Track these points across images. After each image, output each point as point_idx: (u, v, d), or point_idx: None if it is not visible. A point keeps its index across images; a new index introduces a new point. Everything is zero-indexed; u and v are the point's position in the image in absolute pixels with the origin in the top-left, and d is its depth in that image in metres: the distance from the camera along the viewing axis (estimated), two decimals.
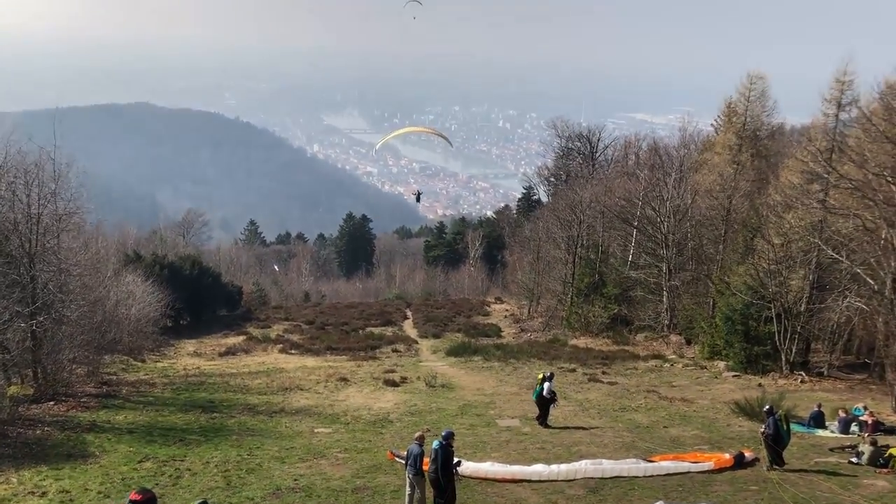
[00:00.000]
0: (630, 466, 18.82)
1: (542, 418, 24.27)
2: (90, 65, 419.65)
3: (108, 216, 78.26)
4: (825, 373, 33.82)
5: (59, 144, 27.77)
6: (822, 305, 33.39)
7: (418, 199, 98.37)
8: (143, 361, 37.45)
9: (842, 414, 24.53)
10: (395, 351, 42.45)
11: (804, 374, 33.23)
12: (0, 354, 24.89)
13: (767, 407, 19.60)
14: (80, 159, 34.93)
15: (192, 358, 39.99)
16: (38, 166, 26.55)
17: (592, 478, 18.15)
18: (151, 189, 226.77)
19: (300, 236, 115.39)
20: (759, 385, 31.82)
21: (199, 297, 52.80)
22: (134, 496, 11.01)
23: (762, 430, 18.98)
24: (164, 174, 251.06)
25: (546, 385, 24.03)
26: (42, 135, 28.16)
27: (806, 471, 18.84)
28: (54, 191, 27.25)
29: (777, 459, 18.79)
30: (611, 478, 18.15)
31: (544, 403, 24.22)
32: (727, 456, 19.46)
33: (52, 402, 25.64)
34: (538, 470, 18.66)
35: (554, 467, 18.77)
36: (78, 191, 28.95)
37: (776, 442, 18.72)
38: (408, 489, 16.08)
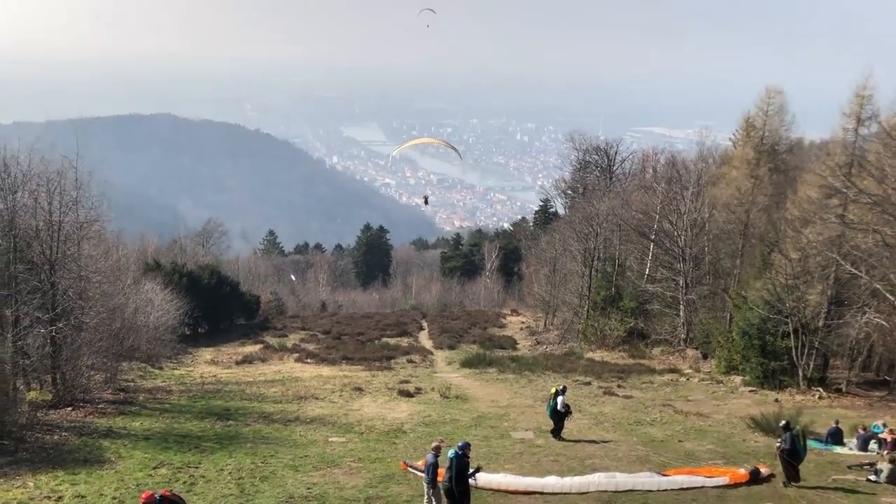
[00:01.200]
0: (644, 480, 18.74)
1: (557, 431, 24.21)
2: (114, 77, 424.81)
3: (129, 225, 79.15)
4: (843, 389, 33.46)
5: (82, 154, 28.22)
6: (841, 321, 33.05)
7: (426, 202, 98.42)
8: (161, 369, 37.78)
9: (860, 431, 24.27)
10: (410, 362, 42.50)
11: (822, 390, 32.90)
12: (20, 359, 25.21)
13: (784, 422, 19.45)
14: (102, 169, 35.51)
15: (209, 366, 40.27)
16: (61, 175, 26.98)
17: (605, 491, 18.09)
18: (172, 199, 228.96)
19: (318, 246, 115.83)
20: (776, 400, 31.54)
21: (218, 306, 53.18)
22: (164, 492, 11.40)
23: (778, 444, 18.85)
24: (184, 184, 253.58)
25: (560, 399, 23.98)
26: (65, 144, 28.65)
27: (823, 488, 18.67)
28: (76, 199, 27.68)
29: (793, 475, 18.64)
30: (624, 491, 18.08)
31: (559, 417, 24.16)
32: (742, 471, 19.33)
33: (69, 408, 25.93)
34: (551, 482, 18.63)
35: (567, 480, 18.74)
36: (99, 199, 29.42)
37: (792, 457, 18.58)
38: (425, 498, 16.15)
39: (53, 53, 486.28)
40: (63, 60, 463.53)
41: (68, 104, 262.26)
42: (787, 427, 18.90)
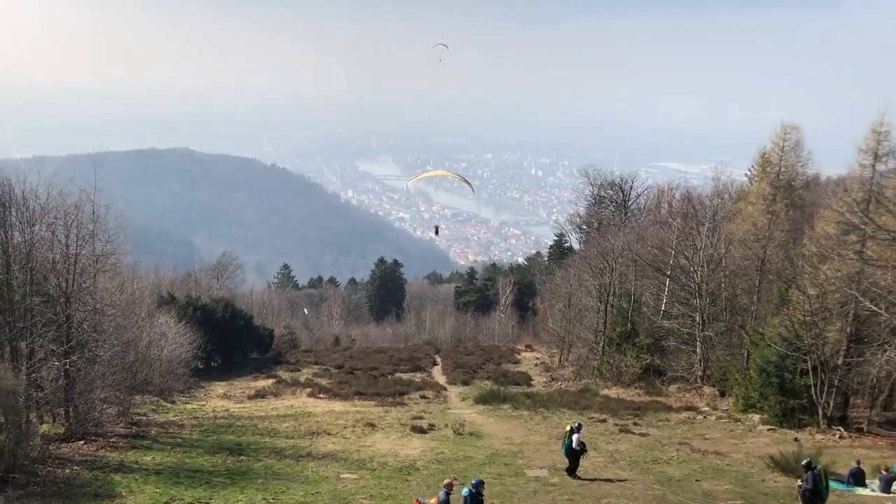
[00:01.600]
0: None
1: (572, 469, 23.84)
2: (132, 112, 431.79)
3: (145, 258, 79.56)
4: (865, 428, 32.82)
5: (100, 187, 28.46)
6: (861, 359, 32.54)
7: (437, 233, 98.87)
8: (173, 402, 37.67)
9: (883, 472, 23.75)
10: (423, 397, 42.16)
11: (843, 430, 32.27)
12: (34, 392, 25.20)
13: (806, 461, 19.07)
14: (119, 202, 35.80)
15: (221, 400, 40.13)
16: (78, 208, 27.20)
17: None
18: (188, 232, 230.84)
19: (332, 280, 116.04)
20: (796, 439, 30.97)
21: (231, 340, 53.17)
22: None
23: (800, 484, 18.47)
24: (200, 218, 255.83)
25: (575, 437, 23.65)
26: (83, 178, 28.93)
27: None
28: (92, 232, 27.85)
29: None
30: None
31: (574, 455, 23.81)
32: None
33: (82, 442, 25.83)
34: None
35: None
36: (115, 232, 29.61)
37: (815, 497, 18.19)
38: None
39: (74, 89, 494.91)
40: (83, 96, 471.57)
41: (88, 139, 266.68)
42: (808, 466, 18.53)
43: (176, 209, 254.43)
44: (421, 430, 31.27)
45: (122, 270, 35.17)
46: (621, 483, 23.18)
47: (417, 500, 19.65)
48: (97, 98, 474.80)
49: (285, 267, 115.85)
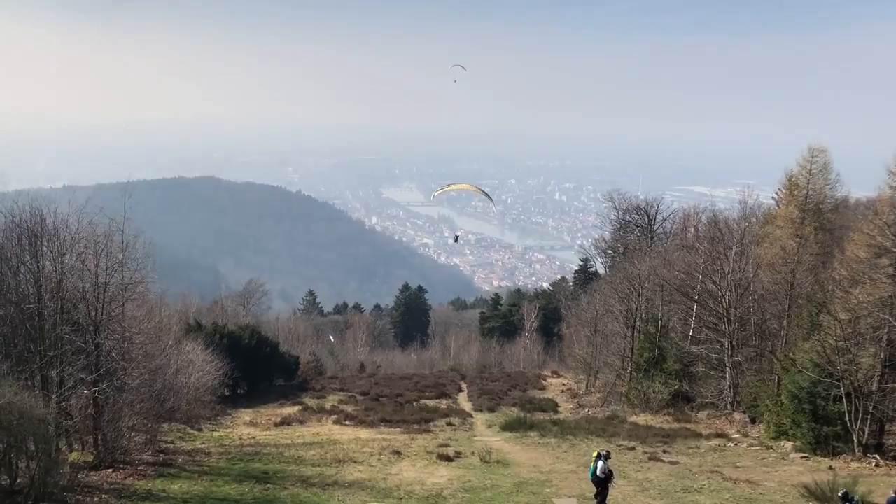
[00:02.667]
0: None
1: (601, 497, 23.46)
2: (161, 142, 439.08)
3: (172, 286, 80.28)
4: None
5: (128, 216, 28.85)
6: None
7: (456, 240, 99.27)
8: (200, 430, 37.75)
9: None
10: (449, 424, 41.90)
11: (879, 458, 31.53)
12: (63, 420, 25.41)
13: (843, 492, 18.66)
14: (148, 230, 36.21)
15: (247, 427, 40.16)
16: (107, 237, 27.56)
17: None
18: (215, 260, 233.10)
19: (357, 307, 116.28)
20: (830, 468, 30.28)
21: (257, 367, 53.30)
22: None
23: None
24: (227, 245, 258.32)
25: (599, 464, 23.17)
26: (112, 207, 29.33)
27: None
28: (121, 260, 28.18)
29: None
30: None
31: (600, 482, 23.43)
32: None
33: (110, 470, 25.94)
34: None
35: None
36: (144, 261, 29.94)
37: None
38: None
39: (104, 120, 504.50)
40: (113, 127, 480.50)
41: (117, 169, 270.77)
42: (846, 497, 18.12)
43: (203, 237, 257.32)
44: (447, 458, 31.05)
45: (150, 298, 35.48)
46: None
47: None
48: (126, 128, 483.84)
49: (310, 293, 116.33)
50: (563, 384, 62.05)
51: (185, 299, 71.32)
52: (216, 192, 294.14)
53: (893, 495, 23.50)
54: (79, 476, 24.10)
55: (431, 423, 41.59)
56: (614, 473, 23.89)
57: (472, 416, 45.64)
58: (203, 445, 33.38)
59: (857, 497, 18.51)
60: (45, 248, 26.30)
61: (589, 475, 23.98)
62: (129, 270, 28.86)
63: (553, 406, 50.90)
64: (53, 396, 24.69)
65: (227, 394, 46.82)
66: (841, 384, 32.27)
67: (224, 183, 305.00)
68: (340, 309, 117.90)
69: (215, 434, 37.25)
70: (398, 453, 31.92)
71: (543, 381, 63.65)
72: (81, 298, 27.30)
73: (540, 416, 45.58)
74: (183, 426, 37.14)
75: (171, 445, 32.43)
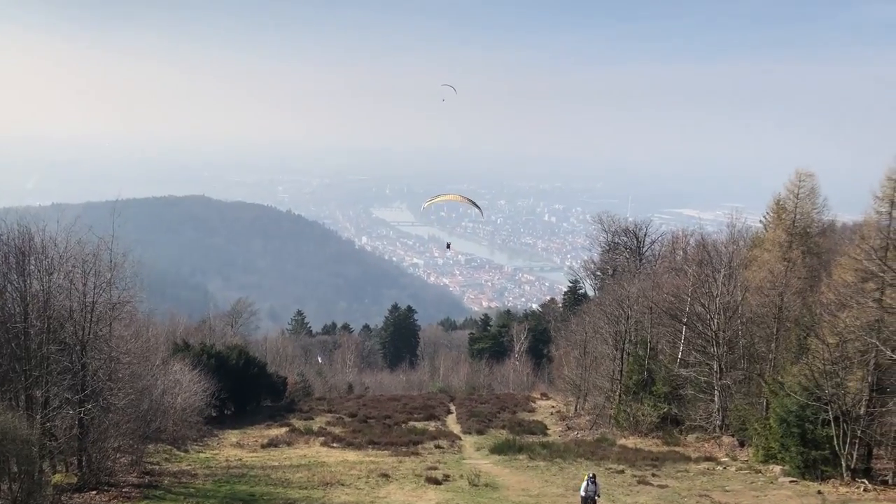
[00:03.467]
0: None
1: None
2: (150, 161, 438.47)
3: (160, 305, 79.89)
4: (890, 481, 32.04)
5: (117, 235, 28.77)
6: (884, 409, 31.96)
7: (448, 248, 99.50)
8: (186, 451, 37.41)
9: None
10: (437, 447, 41.68)
11: (867, 482, 31.53)
12: (47, 441, 25.12)
13: None
14: (136, 249, 36.06)
15: (234, 449, 39.84)
16: (96, 256, 27.45)
17: None
18: (203, 278, 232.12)
19: (346, 327, 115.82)
20: (819, 492, 30.28)
21: (245, 387, 52.95)
22: None
23: None
24: (215, 264, 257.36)
25: (583, 483, 24.30)
26: (101, 225, 29.22)
27: None
28: (110, 280, 28.06)
29: None
30: None
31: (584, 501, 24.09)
32: None
33: (94, 492, 25.66)
34: None
35: None
36: (132, 280, 29.84)
37: None
38: None
39: (93, 139, 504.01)
40: (102, 146, 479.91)
41: (106, 187, 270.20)
42: None
43: (192, 255, 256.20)
44: (436, 481, 30.87)
45: (137, 318, 35.31)
46: None
47: None
48: (117, 147, 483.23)
49: (299, 313, 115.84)
50: (553, 406, 61.88)
51: (172, 318, 70.87)
52: (206, 210, 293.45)
53: None
54: (62, 498, 23.84)
55: (420, 446, 41.38)
56: (596, 490, 24.29)
57: (460, 439, 45.43)
58: (189, 467, 33.06)
59: None
60: (32, 267, 26.14)
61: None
62: (116, 290, 28.75)
63: (542, 428, 50.73)
64: (38, 417, 24.42)
65: (213, 414, 46.45)
66: (829, 408, 32.34)
67: (214, 202, 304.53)
68: (329, 329, 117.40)
69: (202, 455, 36.91)
70: (386, 476, 31.71)
71: (533, 403, 63.46)
72: (68, 318, 27.13)
73: (529, 438, 45.43)
74: (169, 447, 36.80)
75: (157, 467, 32.10)
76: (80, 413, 25.99)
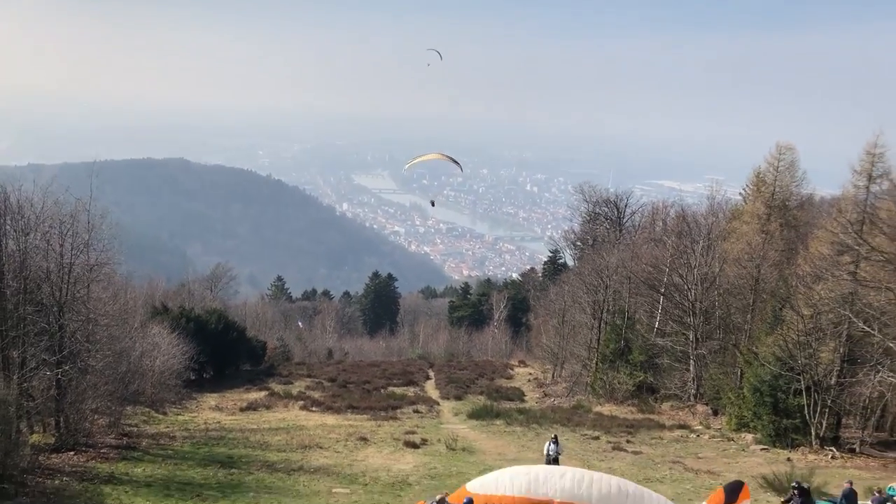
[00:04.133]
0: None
1: None
2: (129, 123, 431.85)
3: (139, 268, 79.36)
4: (857, 449, 32.85)
5: (95, 197, 28.45)
6: (854, 379, 32.61)
7: (433, 205, 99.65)
8: (165, 414, 37.45)
9: (875, 493, 23.65)
10: (416, 412, 42.03)
11: (835, 450, 32.30)
12: (24, 402, 25.05)
13: (805, 486, 19.10)
14: (114, 212, 35.78)
15: (213, 412, 39.93)
16: (73, 217, 27.16)
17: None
18: (182, 243, 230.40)
19: (326, 293, 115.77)
20: (788, 459, 30.97)
21: (224, 351, 52.92)
22: None
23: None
24: (195, 229, 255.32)
25: (546, 445, 25.34)
26: (79, 187, 28.88)
27: None
28: (87, 241, 27.80)
29: None
30: None
31: (548, 461, 24.54)
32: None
33: (72, 452, 25.67)
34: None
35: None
36: (110, 242, 29.57)
37: None
38: None
39: (72, 99, 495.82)
40: (81, 106, 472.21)
41: (84, 148, 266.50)
42: (803, 491, 18.63)
43: (171, 219, 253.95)
44: (413, 445, 31.17)
45: (115, 280, 35.08)
46: None
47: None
48: (95, 108, 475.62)
49: (279, 279, 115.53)
50: (530, 374, 62.49)
51: (151, 282, 70.47)
52: (185, 174, 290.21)
53: (848, 487, 24.15)
54: (39, 458, 23.84)
55: (398, 410, 41.68)
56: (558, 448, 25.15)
57: (439, 404, 45.81)
58: (168, 429, 33.13)
59: (808, 486, 19.02)
60: (8, 227, 25.82)
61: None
62: (94, 251, 28.51)
63: (519, 395, 51.28)
64: (15, 377, 24.31)
65: (192, 378, 46.45)
66: (801, 378, 32.96)
67: (194, 165, 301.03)
68: (309, 295, 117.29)
69: (180, 418, 36.99)
70: (364, 440, 31.98)
71: (511, 371, 64.05)
72: (45, 279, 26.91)
73: (506, 404, 45.90)
74: (147, 410, 36.83)
75: (135, 429, 32.14)
76: (57, 374, 25.90)
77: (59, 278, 26.95)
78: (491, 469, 27.08)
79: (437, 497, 17.27)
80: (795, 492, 18.81)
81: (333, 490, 23.18)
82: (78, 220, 27.47)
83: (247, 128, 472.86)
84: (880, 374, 31.04)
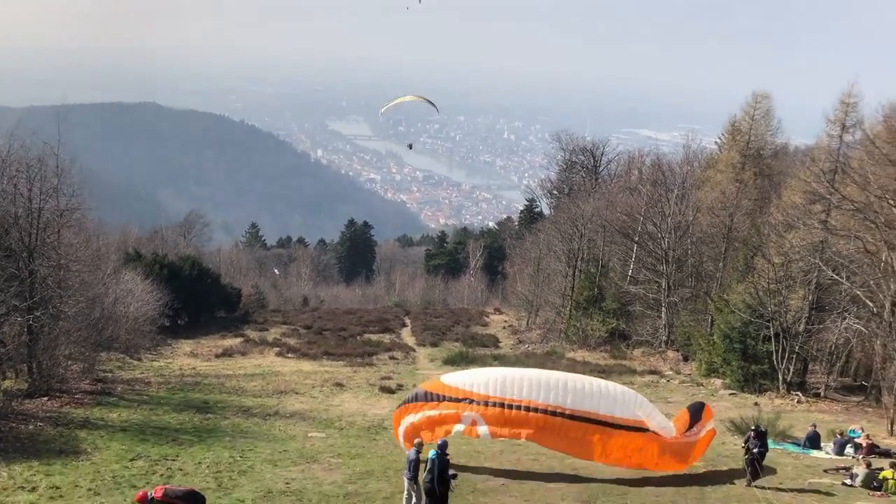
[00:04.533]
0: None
1: None
2: (97, 65, 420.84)
3: (111, 215, 78.28)
4: (822, 394, 33.74)
5: (63, 141, 27.79)
6: (821, 326, 33.32)
7: (410, 148, 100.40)
8: (140, 360, 37.41)
9: (837, 436, 24.45)
10: (392, 358, 42.37)
11: (801, 395, 33.15)
12: None
13: (761, 429, 19.67)
14: (84, 157, 35.03)
15: (188, 358, 39.96)
16: (41, 162, 26.59)
17: (588, 484, 18.06)
18: (155, 189, 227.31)
19: (301, 241, 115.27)
20: (756, 404, 31.73)
21: (198, 298, 52.73)
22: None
23: (747, 446, 19.07)
24: (167, 175, 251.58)
25: None
26: (46, 131, 28.23)
27: (800, 491, 18.76)
28: (56, 186, 27.27)
29: (757, 475, 18.88)
30: (602, 490, 18.05)
31: None
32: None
33: (45, 398, 25.59)
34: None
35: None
36: (80, 187, 29.00)
37: (762, 457, 18.91)
38: (405, 493, 16.11)
39: (36, 40, 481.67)
40: (46, 47, 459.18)
41: (50, 91, 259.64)
42: (760, 433, 19.17)
43: (142, 165, 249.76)
44: (389, 391, 31.47)
45: (87, 226, 34.52)
46: None
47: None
48: (60, 49, 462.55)
49: (253, 226, 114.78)
50: (505, 321, 63.09)
51: (123, 229, 69.74)
52: (157, 119, 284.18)
53: (812, 430, 24.89)
54: (12, 404, 23.73)
55: (374, 357, 42.01)
56: None
57: (414, 351, 46.20)
58: (143, 375, 33.14)
59: (765, 429, 19.65)
60: None
61: None
62: (64, 196, 27.97)
63: (494, 341, 51.82)
64: None
65: (167, 324, 46.32)
66: (770, 325, 33.60)
67: (165, 110, 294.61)
68: (284, 242, 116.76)
69: (155, 364, 36.99)
70: (340, 385, 32.22)
71: (486, 318, 64.59)
72: (13, 223, 26.43)
73: (481, 350, 46.38)
74: (122, 356, 36.75)
75: (110, 375, 32.10)
76: (28, 320, 25.61)
77: (27, 223, 26.47)
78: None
79: (416, 440, 17.53)
80: (752, 433, 19.36)
81: (309, 434, 23.42)
82: (46, 164, 26.87)
83: (219, 71, 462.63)
84: (846, 321, 31.72)
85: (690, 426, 19.71)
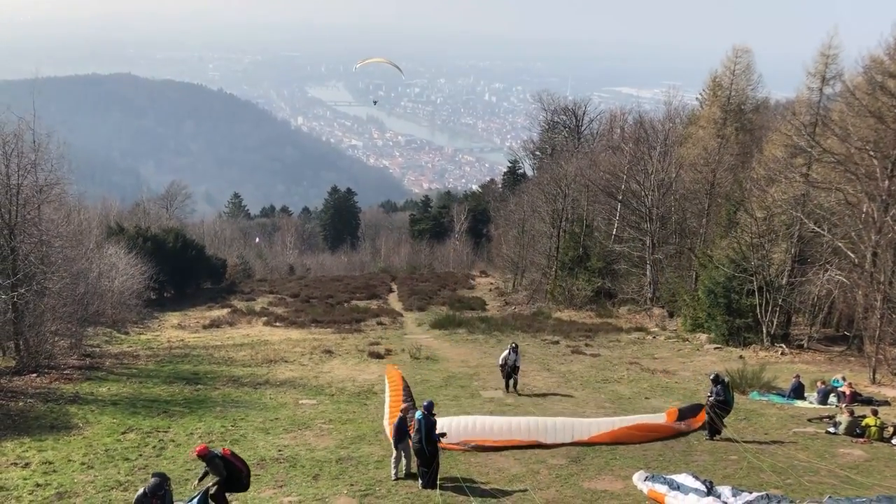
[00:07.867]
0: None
1: (506, 385, 25.13)
2: (69, 35, 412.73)
3: (91, 189, 77.62)
4: (805, 345, 34.23)
5: (39, 115, 27.34)
6: (804, 279, 33.70)
7: (375, 104, 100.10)
8: (127, 334, 37.34)
9: (820, 385, 24.86)
10: (379, 324, 42.52)
11: (784, 347, 33.62)
12: None
13: (714, 375, 19.63)
14: (61, 131, 34.51)
15: (175, 330, 39.91)
16: (17, 137, 26.14)
17: (574, 447, 18.32)
18: (134, 162, 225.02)
19: (284, 209, 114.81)
20: (740, 357, 32.20)
21: (183, 270, 52.62)
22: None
23: (710, 398, 19.15)
24: (146, 147, 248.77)
25: (504, 353, 25.21)
26: (20, 105, 27.67)
27: (784, 441, 19.11)
28: (34, 161, 26.88)
29: (719, 428, 18.99)
30: (591, 447, 18.31)
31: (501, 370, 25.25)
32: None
33: (34, 375, 25.53)
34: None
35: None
36: (59, 162, 28.60)
37: (724, 408, 18.95)
38: (393, 456, 16.29)
39: (4, 12, 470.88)
40: (15, 20, 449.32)
41: (23, 64, 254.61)
42: (718, 380, 19.20)
43: (121, 138, 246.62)
44: (378, 356, 31.64)
45: (67, 201, 34.18)
46: (574, 401, 23.87)
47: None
48: (30, 21, 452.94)
49: (236, 196, 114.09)
50: (491, 283, 63.37)
51: (105, 202, 69.06)
52: (133, 90, 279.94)
53: (796, 381, 25.29)
54: (1, 381, 23.70)
55: (362, 323, 42.13)
56: (513, 359, 25.00)
57: (402, 316, 46.37)
58: (130, 349, 33.09)
59: (727, 379, 19.78)
60: None
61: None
62: (42, 172, 27.59)
63: (481, 304, 52.09)
64: None
65: (153, 297, 46.21)
66: (754, 279, 33.97)
67: (141, 80, 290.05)
68: (268, 212, 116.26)
69: (143, 337, 36.93)
70: (329, 352, 32.34)
71: (472, 281, 64.84)
72: None
73: (468, 313, 46.63)
74: (109, 330, 36.65)
75: (98, 349, 32.02)
76: (13, 297, 25.46)
77: (7, 200, 26.12)
78: (455, 376, 27.80)
79: (403, 406, 17.67)
80: (712, 382, 19.31)
81: (300, 401, 23.55)
82: (23, 139, 26.43)
83: (194, 40, 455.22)
84: (828, 273, 32.10)
85: (680, 419, 19.85)
